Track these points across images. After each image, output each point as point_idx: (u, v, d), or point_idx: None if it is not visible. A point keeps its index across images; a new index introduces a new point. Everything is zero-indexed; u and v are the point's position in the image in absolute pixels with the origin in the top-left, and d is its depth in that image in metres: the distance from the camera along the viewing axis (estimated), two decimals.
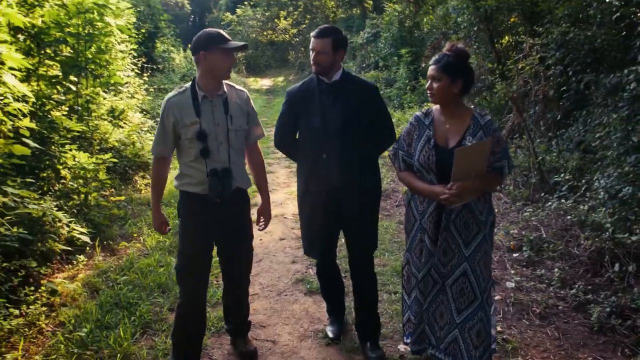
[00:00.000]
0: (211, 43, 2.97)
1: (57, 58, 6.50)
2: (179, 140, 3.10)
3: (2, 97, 4.54)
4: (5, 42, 4.64)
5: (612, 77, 5.64)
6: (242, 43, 3.13)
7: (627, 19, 5.87)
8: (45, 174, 5.54)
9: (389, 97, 13.70)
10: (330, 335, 3.74)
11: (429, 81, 2.91)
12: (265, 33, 32.82)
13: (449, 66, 2.84)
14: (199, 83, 3.08)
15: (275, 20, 32.06)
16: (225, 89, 3.16)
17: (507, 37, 9.66)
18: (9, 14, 4.54)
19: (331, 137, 3.31)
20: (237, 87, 3.30)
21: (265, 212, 3.56)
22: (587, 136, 6.15)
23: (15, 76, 4.64)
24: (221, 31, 3.06)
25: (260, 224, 3.55)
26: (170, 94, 3.12)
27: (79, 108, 6.97)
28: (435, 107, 3.03)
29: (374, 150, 3.52)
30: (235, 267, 3.46)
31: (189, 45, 3.42)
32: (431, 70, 2.89)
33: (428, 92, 2.94)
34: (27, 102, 5.17)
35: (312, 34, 3.36)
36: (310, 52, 3.35)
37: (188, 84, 3.14)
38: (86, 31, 6.53)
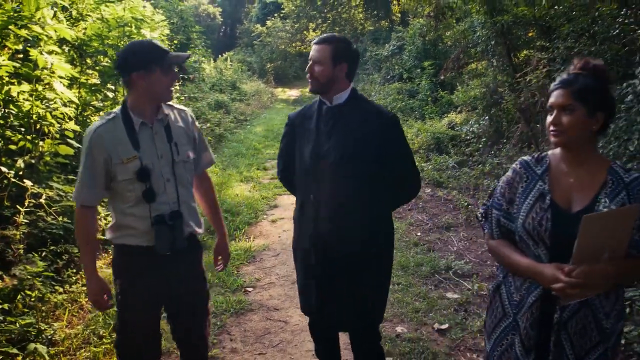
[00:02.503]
0: (147, 61, 2.36)
1: (97, 68, 7.08)
2: (112, 182, 2.44)
3: (51, 102, 5.10)
4: (53, 52, 5.21)
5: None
6: (184, 54, 2.58)
7: (628, 36, 6.20)
8: None
9: (412, 108, 14.07)
10: None
11: (554, 112, 1.98)
12: (294, 44, 33.50)
13: (589, 91, 1.94)
14: (132, 108, 2.44)
15: (304, 32, 32.70)
16: (166, 111, 2.54)
17: (524, 51, 9.99)
18: (60, 28, 5.09)
19: (321, 173, 2.66)
20: (177, 106, 2.68)
21: (223, 250, 2.95)
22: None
23: (62, 84, 5.20)
24: (154, 41, 2.47)
25: (219, 264, 2.97)
26: (95, 123, 2.45)
27: None
28: (553, 152, 2.14)
29: (390, 201, 2.84)
30: (192, 337, 2.77)
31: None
32: (558, 96, 1.98)
33: (552, 129, 2.00)
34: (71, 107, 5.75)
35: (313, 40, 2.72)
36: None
37: (117, 109, 2.48)
38: (124, 43, 7.08)
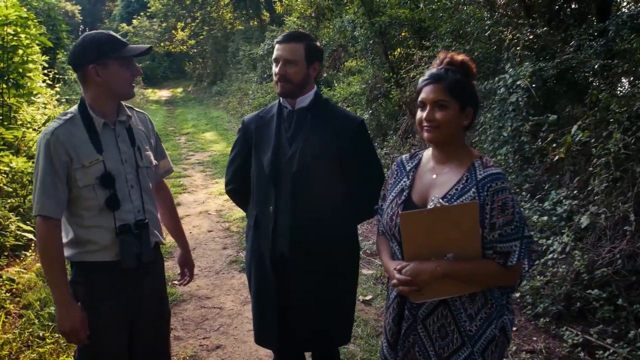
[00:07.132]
0: (104, 52, 2.20)
1: None
2: (71, 191, 2.23)
3: None
4: None
5: (486, 84, 6.78)
6: (145, 46, 2.35)
7: (497, 36, 7.04)
8: None
9: None
10: None
11: (427, 108, 1.93)
12: (162, 44, 32.75)
13: (460, 87, 1.93)
14: (91, 106, 2.27)
15: (173, 31, 32.11)
16: (128, 112, 2.40)
17: (399, 50, 10.79)
18: None
19: (282, 183, 2.48)
20: (137, 109, 2.55)
21: (188, 262, 2.84)
22: (468, 134, 7.28)
23: None
24: (112, 33, 2.30)
25: (185, 277, 2.87)
26: (52, 125, 2.21)
27: (1, 117, 7.19)
28: (427, 150, 2.13)
29: (354, 214, 2.62)
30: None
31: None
32: (430, 91, 1.93)
33: (425, 125, 1.94)
34: None
35: (277, 39, 2.52)
36: (273, 65, 2.51)
37: (73, 109, 2.29)
38: (12, 43, 6.80)
